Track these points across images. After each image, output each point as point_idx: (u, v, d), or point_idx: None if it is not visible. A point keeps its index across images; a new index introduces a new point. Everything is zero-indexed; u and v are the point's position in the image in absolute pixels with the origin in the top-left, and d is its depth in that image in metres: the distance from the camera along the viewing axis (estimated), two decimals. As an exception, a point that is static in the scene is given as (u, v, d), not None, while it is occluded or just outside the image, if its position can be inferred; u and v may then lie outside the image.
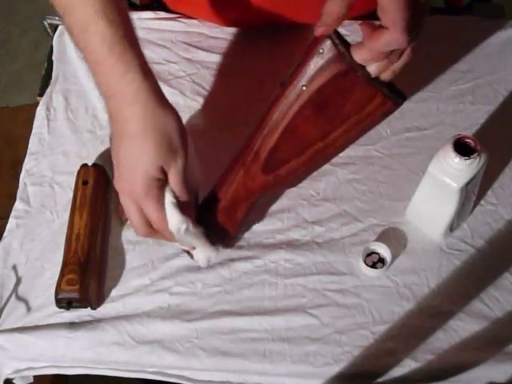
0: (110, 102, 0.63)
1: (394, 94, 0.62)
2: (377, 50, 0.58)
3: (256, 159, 0.68)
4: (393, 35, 0.56)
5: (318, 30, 0.60)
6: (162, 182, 0.64)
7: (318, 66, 0.61)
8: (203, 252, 0.72)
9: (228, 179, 0.71)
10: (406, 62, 0.61)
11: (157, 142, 0.62)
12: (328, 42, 0.60)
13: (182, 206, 0.66)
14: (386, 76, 0.61)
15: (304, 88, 0.62)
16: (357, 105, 0.62)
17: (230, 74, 0.90)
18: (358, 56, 0.60)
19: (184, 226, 0.66)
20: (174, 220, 0.65)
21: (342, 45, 0.60)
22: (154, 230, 0.68)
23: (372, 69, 0.60)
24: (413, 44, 0.59)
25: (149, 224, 0.67)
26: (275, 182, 0.70)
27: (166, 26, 0.95)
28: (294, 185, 0.77)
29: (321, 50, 0.60)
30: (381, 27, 0.56)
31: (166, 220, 0.66)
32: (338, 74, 0.61)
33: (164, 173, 0.64)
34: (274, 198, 0.79)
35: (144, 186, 0.63)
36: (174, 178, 0.64)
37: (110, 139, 0.66)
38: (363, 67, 0.60)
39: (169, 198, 0.65)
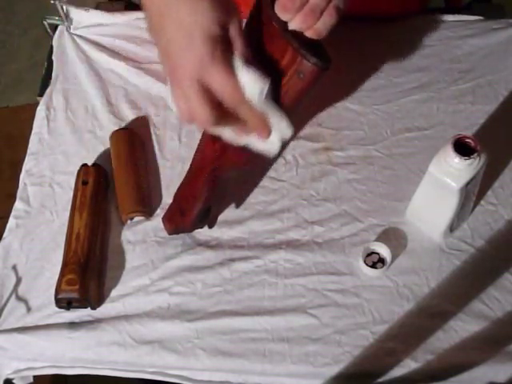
0: None
1: (316, 55, 0.57)
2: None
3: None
4: None
5: None
6: (226, 42, 0.56)
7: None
8: (279, 128, 0.61)
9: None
10: (329, 22, 0.56)
11: None
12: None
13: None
14: (309, 34, 0.57)
15: None
16: (274, 60, 0.59)
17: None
18: (278, 5, 0.56)
19: (266, 87, 0.57)
20: (253, 82, 0.57)
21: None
22: (224, 113, 0.58)
23: (292, 23, 0.56)
24: (335, 2, 0.56)
25: (217, 106, 0.57)
26: (223, 150, 0.67)
27: (166, 26, 0.95)
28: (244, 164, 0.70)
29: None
30: None
31: (240, 87, 0.57)
32: (261, 24, 0.59)
33: (225, 29, 0.56)
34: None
35: (207, 47, 0.54)
36: (237, 34, 0.57)
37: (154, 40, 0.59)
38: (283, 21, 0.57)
39: (239, 63, 0.57)
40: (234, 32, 0.57)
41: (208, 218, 0.75)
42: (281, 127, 0.61)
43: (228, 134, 0.62)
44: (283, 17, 0.57)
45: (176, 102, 0.58)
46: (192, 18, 0.54)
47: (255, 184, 0.81)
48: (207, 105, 0.56)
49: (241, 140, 0.63)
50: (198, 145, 0.75)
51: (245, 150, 0.64)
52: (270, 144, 0.62)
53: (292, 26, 0.57)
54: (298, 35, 0.57)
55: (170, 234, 0.76)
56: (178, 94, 0.57)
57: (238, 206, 0.79)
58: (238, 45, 0.57)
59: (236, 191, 0.79)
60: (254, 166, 0.81)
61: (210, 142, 0.70)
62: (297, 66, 0.58)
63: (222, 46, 0.55)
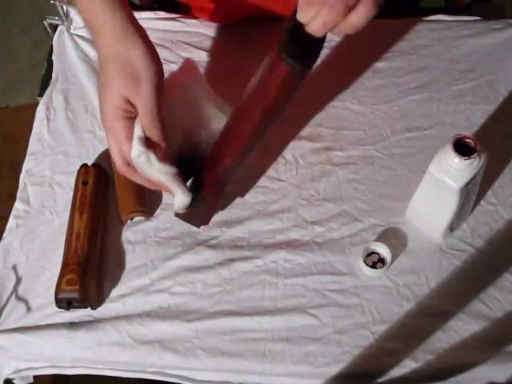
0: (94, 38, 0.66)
1: (300, 58, 0.58)
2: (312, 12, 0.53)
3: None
4: None
5: None
6: (131, 113, 0.65)
7: None
8: (177, 194, 0.70)
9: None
10: (363, 15, 0.53)
11: (118, 70, 0.63)
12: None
13: (151, 142, 0.65)
14: (344, 29, 0.54)
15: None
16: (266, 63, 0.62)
17: (230, 74, 0.90)
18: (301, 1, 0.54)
19: (143, 156, 0.64)
20: (134, 148, 0.64)
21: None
22: (130, 168, 0.68)
23: (316, 20, 0.54)
24: None
25: (126, 160, 0.67)
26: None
27: (166, 26, 0.95)
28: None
29: None
30: None
31: (128, 151, 0.65)
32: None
33: (132, 104, 0.64)
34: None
35: (110, 115, 0.64)
36: (139, 109, 0.64)
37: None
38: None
39: (136, 130, 0.65)
40: (138, 106, 0.64)
41: (201, 210, 0.74)
42: (177, 191, 0.69)
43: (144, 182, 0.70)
44: (306, 14, 0.54)
45: (105, 124, 0.67)
46: (105, 88, 0.65)
47: (253, 184, 0.81)
48: (118, 154, 0.67)
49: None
50: None
51: (233, 147, 0.69)
52: (176, 203, 0.70)
53: (315, 24, 0.54)
54: (300, 34, 0.56)
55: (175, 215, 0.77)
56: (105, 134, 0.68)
57: (242, 195, 0.80)
58: (142, 118, 0.65)
59: (234, 191, 0.79)
60: (254, 166, 0.81)
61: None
62: (272, 60, 0.59)
63: (125, 115, 0.64)
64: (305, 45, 0.57)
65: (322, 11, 0.53)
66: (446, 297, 0.72)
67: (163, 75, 0.66)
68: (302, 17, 0.55)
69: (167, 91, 0.67)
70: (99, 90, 0.67)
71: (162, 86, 0.65)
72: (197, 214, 0.74)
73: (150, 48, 0.65)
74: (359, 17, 0.53)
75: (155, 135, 0.66)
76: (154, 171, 0.66)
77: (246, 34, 0.93)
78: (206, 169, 0.72)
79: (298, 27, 0.56)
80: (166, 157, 0.66)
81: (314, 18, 0.54)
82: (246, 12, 0.92)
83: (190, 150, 0.72)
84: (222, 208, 0.79)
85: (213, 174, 0.71)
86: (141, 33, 0.65)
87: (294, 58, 0.57)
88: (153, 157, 0.65)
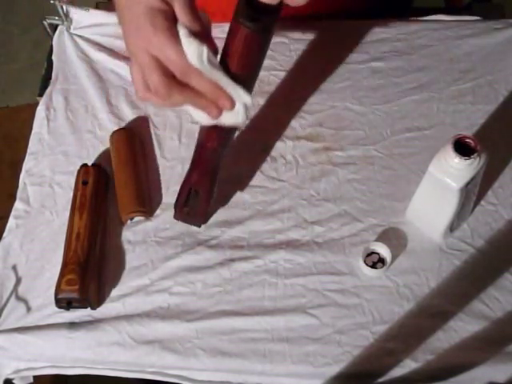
0: None
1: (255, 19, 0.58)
2: None
3: None
4: None
5: None
6: (169, 13, 0.58)
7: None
8: (238, 96, 0.62)
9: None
10: None
11: None
12: None
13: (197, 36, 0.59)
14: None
15: None
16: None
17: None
18: None
19: (205, 52, 0.58)
20: (192, 47, 0.57)
21: None
22: (177, 83, 0.59)
23: None
24: None
25: (171, 76, 0.59)
26: (200, 127, 0.70)
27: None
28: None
29: None
30: None
31: (184, 54, 0.58)
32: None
33: (168, 4, 0.58)
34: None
35: (149, 20, 0.57)
36: (181, 7, 0.58)
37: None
38: None
39: (181, 30, 0.58)
40: (177, 6, 0.58)
41: (196, 206, 0.74)
42: (239, 94, 0.62)
43: (192, 112, 0.63)
44: None
45: (133, 77, 0.60)
46: None
47: (252, 181, 0.81)
48: (158, 75, 0.57)
49: (208, 118, 0.63)
50: None
51: (216, 127, 0.66)
52: (236, 114, 0.63)
53: None
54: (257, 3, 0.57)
55: (174, 217, 0.76)
56: (134, 69, 0.59)
57: (242, 189, 0.80)
58: (181, 15, 0.58)
59: (232, 189, 0.80)
60: (248, 164, 0.82)
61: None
62: (230, 28, 0.60)
63: (163, 16, 0.57)
64: (261, 10, 0.58)
65: None
66: (446, 297, 0.72)
67: None
68: None
69: None
70: (127, 8, 0.59)
71: None
72: (194, 210, 0.74)
73: None
74: None
75: (199, 27, 0.59)
76: (217, 69, 0.60)
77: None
78: (194, 159, 0.72)
79: None
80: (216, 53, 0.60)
81: None
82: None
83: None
84: (223, 204, 0.79)
85: (200, 162, 0.71)
86: None
87: (251, 21, 0.58)
88: (209, 51, 0.59)
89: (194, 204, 0.73)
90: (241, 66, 0.62)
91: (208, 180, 0.72)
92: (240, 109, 0.63)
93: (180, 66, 0.58)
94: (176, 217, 0.76)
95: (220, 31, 0.66)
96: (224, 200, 0.79)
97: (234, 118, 0.64)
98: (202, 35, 0.59)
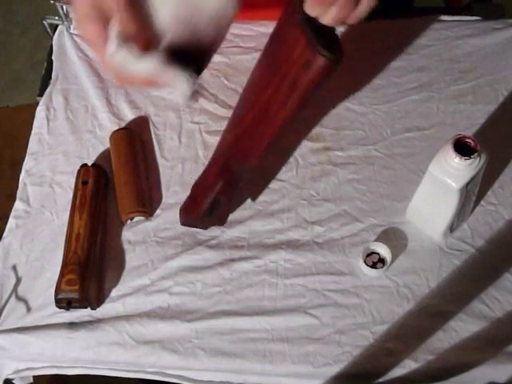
0: None
1: (328, 47, 0.55)
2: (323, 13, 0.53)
3: (233, 124, 0.70)
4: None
5: None
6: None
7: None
8: (175, 82, 0.57)
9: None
10: (371, 3, 0.54)
11: None
12: None
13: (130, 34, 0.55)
14: (349, 21, 0.54)
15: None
16: (287, 48, 0.57)
17: (230, 74, 0.90)
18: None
19: (120, 51, 0.54)
20: (110, 46, 0.54)
21: None
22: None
23: (326, 17, 0.53)
24: None
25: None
26: (235, 140, 0.69)
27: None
28: (250, 161, 0.69)
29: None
30: None
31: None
32: (285, 14, 0.58)
33: None
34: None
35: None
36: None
37: None
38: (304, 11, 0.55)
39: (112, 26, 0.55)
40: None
41: (218, 212, 0.75)
42: (176, 81, 0.57)
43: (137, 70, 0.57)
44: (313, 11, 0.54)
45: (78, 28, 0.58)
46: None
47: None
48: (95, 25, 0.55)
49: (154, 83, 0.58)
50: (223, 131, 0.74)
51: (259, 146, 0.66)
52: (179, 94, 0.58)
53: (326, 19, 0.54)
54: (315, 24, 0.55)
55: (182, 224, 0.77)
56: (78, 20, 0.57)
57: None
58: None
59: (248, 191, 0.80)
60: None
61: (226, 131, 0.71)
62: (306, 55, 0.56)
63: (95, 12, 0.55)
64: (326, 34, 0.56)
65: (332, 9, 0.53)
66: (446, 297, 0.72)
67: None
68: (310, 12, 0.54)
69: None
70: None
71: None
72: (214, 217, 0.75)
73: None
74: (365, 8, 0.54)
75: (129, 23, 0.55)
76: (139, 64, 0.56)
77: (248, 33, 0.93)
78: (220, 168, 0.71)
79: (311, 18, 0.55)
80: (149, 46, 0.56)
81: (323, 14, 0.54)
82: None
83: (190, 40, 0.60)
84: (233, 210, 0.79)
85: (227, 172, 0.71)
86: None
87: (328, 50, 0.55)
88: (132, 49, 0.55)
89: (216, 211, 0.74)
90: (305, 93, 0.59)
91: (232, 189, 0.73)
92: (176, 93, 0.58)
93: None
94: (185, 223, 0.77)
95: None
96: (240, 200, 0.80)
97: (177, 91, 0.58)
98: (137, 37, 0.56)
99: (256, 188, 0.80)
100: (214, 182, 0.72)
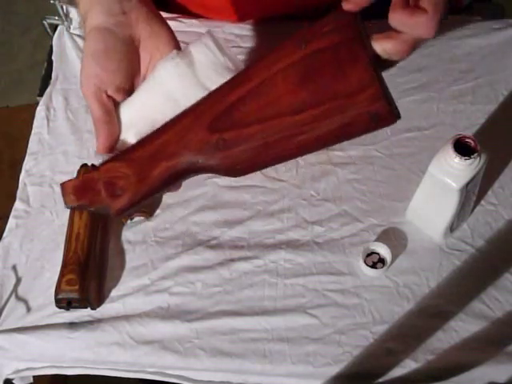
0: None
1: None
2: (399, 27, 0.52)
3: (209, 109, 0.56)
4: (429, 20, 0.50)
5: (347, 6, 0.53)
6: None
7: (326, 28, 0.53)
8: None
9: (167, 124, 0.58)
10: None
11: None
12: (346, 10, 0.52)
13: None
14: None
15: (303, 47, 0.53)
16: (348, 87, 0.52)
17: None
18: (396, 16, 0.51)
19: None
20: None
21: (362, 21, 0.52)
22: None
23: (388, 46, 0.53)
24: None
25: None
26: (214, 148, 0.55)
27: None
28: (233, 172, 0.58)
29: (337, 16, 0.53)
30: (416, 7, 0.51)
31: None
32: (344, 42, 0.52)
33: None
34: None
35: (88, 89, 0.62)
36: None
37: None
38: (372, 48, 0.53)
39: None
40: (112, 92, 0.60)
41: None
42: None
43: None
44: (402, 25, 0.52)
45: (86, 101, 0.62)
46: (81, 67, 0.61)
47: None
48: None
49: None
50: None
51: (254, 162, 0.56)
52: None
53: (390, 50, 0.53)
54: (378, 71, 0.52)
55: (68, 203, 0.62)
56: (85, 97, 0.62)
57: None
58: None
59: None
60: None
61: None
62: (377, 108, 0.51)
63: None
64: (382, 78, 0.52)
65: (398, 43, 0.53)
66: (446, 297, 0.72)
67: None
68: (395, 26, 0.53)
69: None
70: None
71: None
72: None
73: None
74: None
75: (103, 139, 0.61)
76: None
77: (248, 33, 0.93)
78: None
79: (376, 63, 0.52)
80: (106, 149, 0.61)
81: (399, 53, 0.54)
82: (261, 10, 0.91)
83: None
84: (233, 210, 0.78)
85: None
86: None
87: (395, 108, 0.52)
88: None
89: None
90: (348, 136, 0.54)
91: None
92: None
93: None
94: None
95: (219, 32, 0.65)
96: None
97: None
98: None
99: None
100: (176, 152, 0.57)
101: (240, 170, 0.57)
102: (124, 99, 0.62)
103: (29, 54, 1.98)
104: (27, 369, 0.72)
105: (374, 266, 0.73)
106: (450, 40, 0.92)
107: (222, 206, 0.79)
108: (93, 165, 0.80)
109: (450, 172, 0.67)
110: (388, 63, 0.55)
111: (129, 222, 0.79)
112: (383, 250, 0.74)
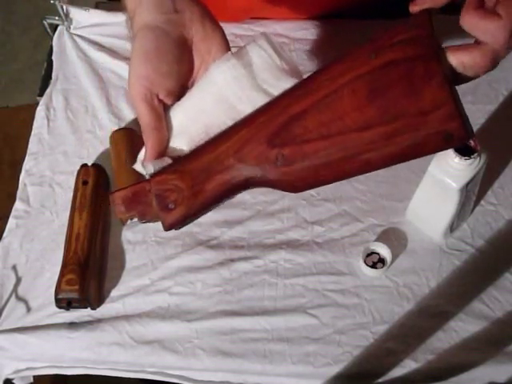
0: None
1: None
2: (470, 29, 0.51)
3: (269, 122, 0.51)
4: (500, 27, 0.49)
5: (414, 8, 0.52)
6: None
7: (398, 37, 0.50)
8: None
9: (222, 135, 0.53)
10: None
11: None
12: (424, 18, 0.50)
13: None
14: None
15: (372, 57, 0.50)
16: (420, 104, 0.48)
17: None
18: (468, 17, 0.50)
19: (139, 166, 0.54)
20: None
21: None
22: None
23: (466, 58, 0.51)
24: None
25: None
26: (273, 163, 0.50)
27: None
28: (292, 188, 0.53)
29: (411, 25, 0.51)
30: (492, 11, 0.49)
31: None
32: (420, 56, 0.49)
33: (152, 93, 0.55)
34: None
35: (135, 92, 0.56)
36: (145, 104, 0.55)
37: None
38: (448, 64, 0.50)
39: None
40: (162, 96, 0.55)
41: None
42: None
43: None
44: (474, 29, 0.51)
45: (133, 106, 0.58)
46: (130, 67, 0.57)
47: None
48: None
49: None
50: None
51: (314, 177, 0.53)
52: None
53: (467, 62, 0.52)
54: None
55: (117, 215, 0.54)
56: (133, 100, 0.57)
57: None
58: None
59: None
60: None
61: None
62: (450, 127, 0.47)
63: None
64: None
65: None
66: (446, 297, 0.72)
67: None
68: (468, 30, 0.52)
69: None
70: None
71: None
72: None
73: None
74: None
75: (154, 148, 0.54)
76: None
77: (248, 33, 0.93)
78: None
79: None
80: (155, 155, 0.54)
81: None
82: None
83: None
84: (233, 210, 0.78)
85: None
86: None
87: (469, 125, 0.48)
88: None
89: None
90: (410, 157, 0.53)
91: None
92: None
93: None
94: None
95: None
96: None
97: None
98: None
99: None
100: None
101: (298, 187, 0.53)
102: (173, 104, 0.56)
103: (29, 54, 1.98)
104: (27, 369, 0.72)
105: (374, 266, 0.73)
106: (450, 40, 0.92)
107: (221, 206, 0.79)
108: (93, 164, 0.80)
109: (450, 172, 0.67)
110: (461, 78, 0.51)
111: (129, 221, 0.78)
112: (383, 250, 0.74)
